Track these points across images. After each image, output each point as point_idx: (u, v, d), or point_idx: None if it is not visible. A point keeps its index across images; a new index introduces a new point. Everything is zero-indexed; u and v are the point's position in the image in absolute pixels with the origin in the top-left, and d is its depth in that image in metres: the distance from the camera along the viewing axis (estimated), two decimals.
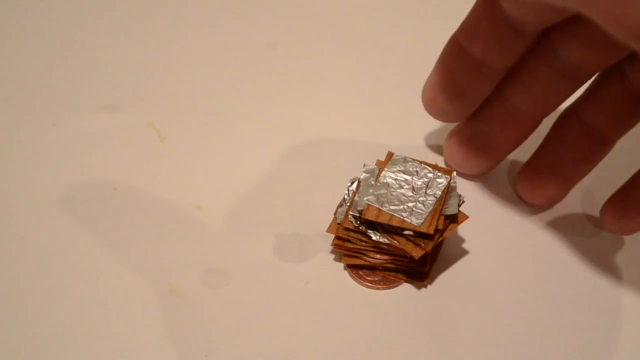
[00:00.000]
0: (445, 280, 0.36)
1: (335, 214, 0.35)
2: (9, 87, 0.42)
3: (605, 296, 0.36)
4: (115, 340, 0.34)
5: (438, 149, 0.41)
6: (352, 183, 0.35)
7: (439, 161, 0.40)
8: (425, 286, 0.35)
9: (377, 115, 0.42)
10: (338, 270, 0.36)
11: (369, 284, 0.35)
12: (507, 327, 0.35)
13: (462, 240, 0.37)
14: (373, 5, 0.47)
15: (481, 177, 0.39)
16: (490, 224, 0.38)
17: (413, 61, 0.44)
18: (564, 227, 0.38)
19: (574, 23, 0.34)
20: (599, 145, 0.37)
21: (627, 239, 0.38)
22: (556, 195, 0.38)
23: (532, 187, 0.38)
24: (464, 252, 0.36)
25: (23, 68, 0.43)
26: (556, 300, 0.35)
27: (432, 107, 0.38)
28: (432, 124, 0.41)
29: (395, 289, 0.35)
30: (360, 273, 0.36)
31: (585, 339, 0.34)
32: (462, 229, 0.37)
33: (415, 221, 0.33)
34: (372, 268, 0.35)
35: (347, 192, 0.35)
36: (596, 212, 0.38)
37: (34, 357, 0.33)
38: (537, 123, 0.38)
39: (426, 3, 0.48)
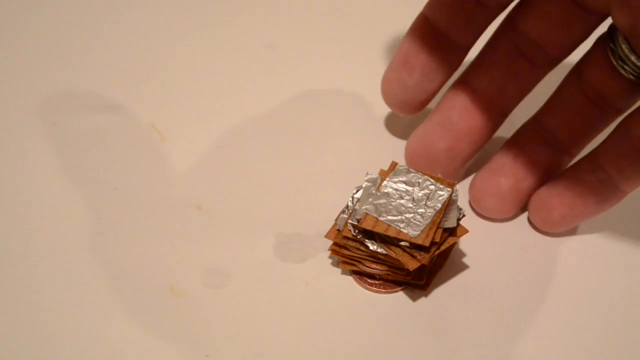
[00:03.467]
0: (445, 291, 0.36)
1: (336, 220, 0.35)
2: (9, 87, 0.42)
3: (608, 305, 0.36)
4: (116, 340, 0.34)
5: None
6: (357, 191, 0.35)
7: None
8: (426, 296, 0.35)
9: (379, 117, 0.42)
10: (339, 271, 0.36)
11: (370, 286, 0.35)
12: (508, 340, 0.35)
13: (462, 255, 0.37)
14: (375, 5, 0.47)
15: None
16: (492, 238, 0.38)
17: None
18: (566, 243, 0.38)
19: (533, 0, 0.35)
20: (557, 152, 0.37)
21: (626, 244, 0.38)
22: (507, 201, 0.37)
23: (484, 188, 0.37)
24: (464, 267, 0.37)
25: (24, 68, 0.43)
26: (557, 315, 0.36)
27: (394, 87, 0.38)
28: None
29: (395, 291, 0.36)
30: (362, 274, 0.36)
31: (588, 353, 0.35)
32: (464, 243, 0.37)
33: (411, 232, 0.33)
34: (370, 276, 0.36)
35: (350, 199, 0.35)
36: (598, 226, 0.38)
37: (33, 357, 0.33)
38: (500, 115, 0.37)
39: None
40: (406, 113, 0.39)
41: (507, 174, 0.37)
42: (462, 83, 0.37)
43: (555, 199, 0.36)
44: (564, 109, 0.36)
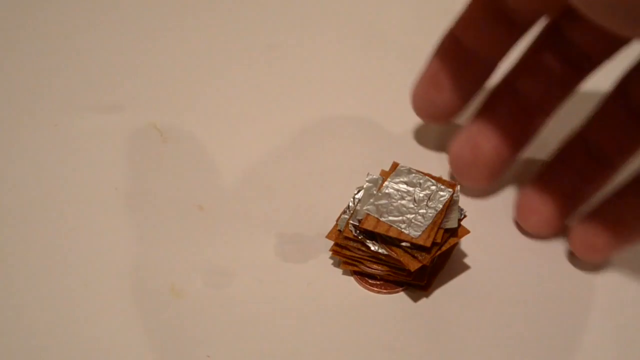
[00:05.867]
0: (446, 292, 0.36)
1: (337, 220, 0.35)
2: (10, 88, 0.42)
3: (609, 306, 0.36)
4: (117, 340, 0.34)
5: (444, 161, 0.40)
6: (358, 191, 0.35)
7: (445, 173, 0.40)
8: (427, 297, 0.35)
9: (380, 117, 0.42)
10: (340, 272, 0.36)
11: (371, 286, 0.35)
12: (509, 340, 0.35)
13: (463, 255, 0.37)
14: (375, 4, 0.47)
15: (486, 194, 0.39)
16: (493, 239, 0.38)
17: (420, 62, 0.43)
18: (567, 244, 0.38)
19: None
20: (601, 166, 0.36)
21: (623, 253, 0.38)
22: (554, 217, 0.37)
23: (529, 205, 0.37)
24: (466, 267, 0.37)
25: (25, 69, 0.43)
26: (558, 315, 0.36)
27: (423, 103, 0.38)
28: (442, 133, 0.41)
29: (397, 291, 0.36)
30: (363, 275, 0.36)
31: (589, 353, 0.35)
32: (465, 244, 0.37)
33: (412, 233, 0.33)
34: (371, 276, 0.36)
35: (352, 199, 0.35)
36: None
37: (34, 358, 0.33)
38: (543, 116, 0.38)
39: (432, 1, 0.48)
40: (437, 124, 0.39)
41: (552, 190, 0.37)
42: (506, 85, 0.38)
43: (599, 225, 0.35)
44: (608, 121, 0.36)
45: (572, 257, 0.37)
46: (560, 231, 0.38)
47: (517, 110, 0.37)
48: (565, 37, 0.36)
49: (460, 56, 0.37)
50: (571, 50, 0.36)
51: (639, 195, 0.35)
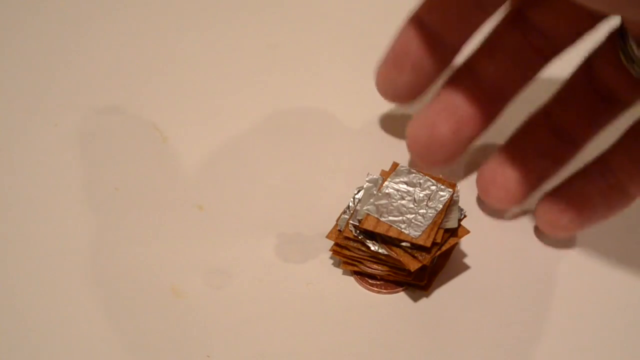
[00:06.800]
0: (446, 292, 0.36)
1: (337, 220, 0.35)
2: (11, 88, 0.42)
3: (609, 306, 0.36)
4: (117, 340, 0.34)
5: None
6: (358, 191, 0.35)
7: (445, 174, 0.39)
8: (427, 296, 0.35)
9: (380, 117, 0.42)
10: (340, 272, 0.36)
11: (371, 286, 0.35)
12: (509, 340, 0.35)
13: (463, 255, 0.37)
14: (376, 5, 0.47)
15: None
16: (493, 239, 0.38)
17: None
18: (567, 246, 0.38)
19: None
20: (564, 143, 0.37)
21: (627, 245, 0.38)
22: (515, 191, 0.37)
23: (491, 178, 0.37)
24: (466, 267, 0.37)
25: (25, 69, 0.43)
26: (558, 315, 0.36)
27: (385, 83, 0.38)
28: None
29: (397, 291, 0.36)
30: (363, 274, 0.36)
31: (588, 354, 0.35)
32: (465, 244, 0.37)
33: (412, 233, 0.33)
34: (371, 276, 0.36)
35: (352, 199, 0.35)
36: (599, 228, 0.37)
37: (33, 358, 0.33)
38: (503, 100, 0.37)
39: None
40: (399, 104, 0.39)
41: (514, 163, 0.37)
42: (467, 68, 0.37)
43: (563, 202, 0.36)
44: (573, 100, 0.36)
45: (574, 258, 0.37)
46: (522, 204, 0.38)
47: (476, 93, 0.37)
48: (528, 20, 0.36)
49: (424, 38, 0.37)
50: (534, 35, 0.36)
51: (603, 175, 0.35)
